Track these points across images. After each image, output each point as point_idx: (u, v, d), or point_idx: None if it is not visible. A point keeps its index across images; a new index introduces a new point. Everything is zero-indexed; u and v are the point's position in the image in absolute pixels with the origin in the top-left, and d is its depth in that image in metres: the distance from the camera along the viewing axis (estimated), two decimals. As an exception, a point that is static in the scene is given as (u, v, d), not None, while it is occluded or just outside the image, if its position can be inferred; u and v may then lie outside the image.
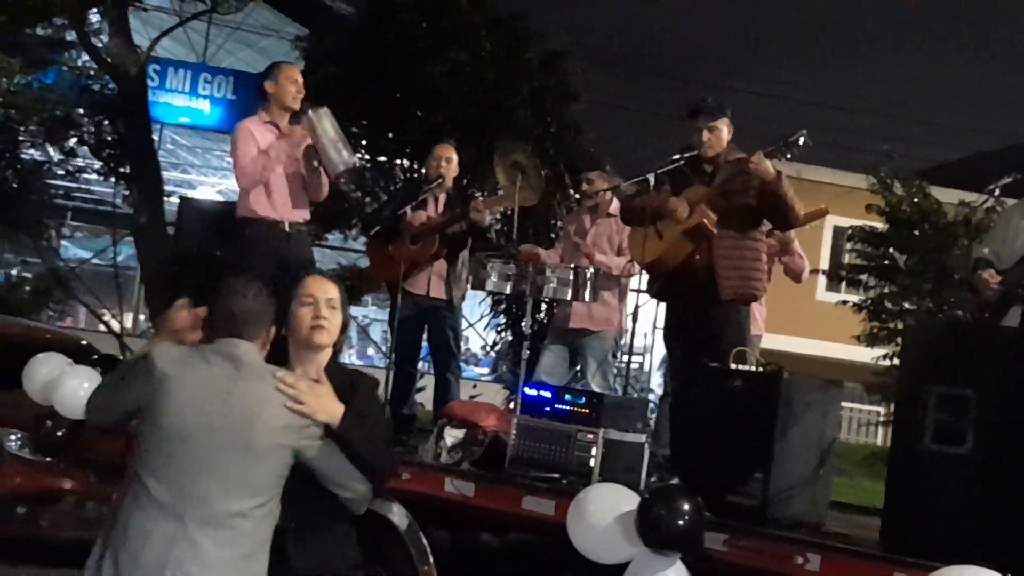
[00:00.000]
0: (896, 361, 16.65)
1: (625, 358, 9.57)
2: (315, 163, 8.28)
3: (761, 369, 6.55)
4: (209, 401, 4.46)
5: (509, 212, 9.12)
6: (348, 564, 5.00)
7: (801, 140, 7.13)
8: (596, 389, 8.62)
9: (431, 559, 6.70)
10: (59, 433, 7.41)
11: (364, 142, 16.77)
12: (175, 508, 4.40)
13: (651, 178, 7.57)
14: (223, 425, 4.44)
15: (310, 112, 8.22)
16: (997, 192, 7.52)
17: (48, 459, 9.14)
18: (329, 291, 4.89)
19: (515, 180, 8.71)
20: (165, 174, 21.13)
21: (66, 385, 6.74)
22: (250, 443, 4.45)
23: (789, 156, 7.21)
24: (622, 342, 9.32)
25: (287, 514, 4.66)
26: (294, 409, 4.52)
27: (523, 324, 8.50)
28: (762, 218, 7.46)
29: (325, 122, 8.21)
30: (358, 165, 8.47)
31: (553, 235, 14.87)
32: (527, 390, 7.17)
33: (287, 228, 8.26)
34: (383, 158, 17.40)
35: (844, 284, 20.73)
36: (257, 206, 8.24)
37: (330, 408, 4.60)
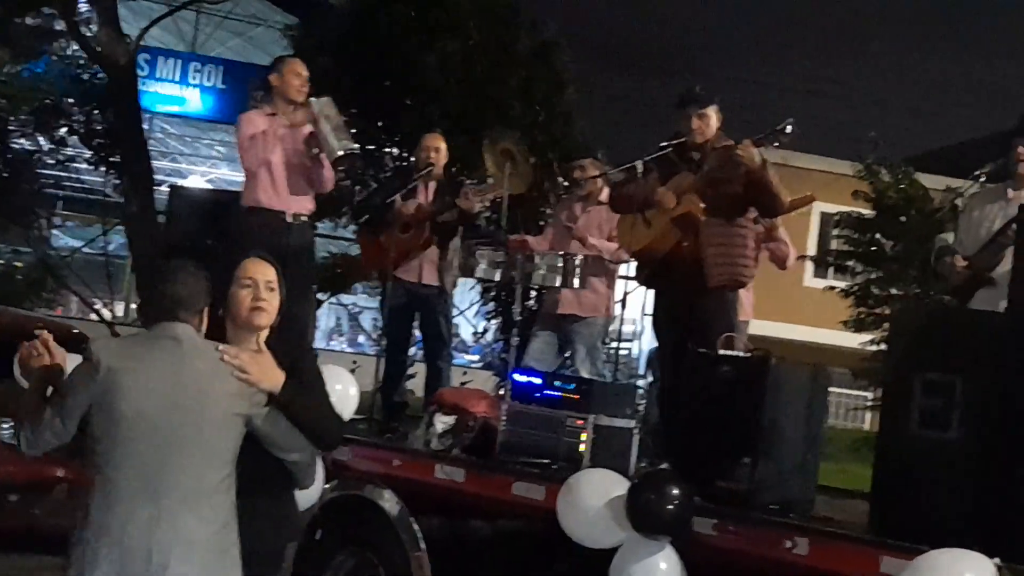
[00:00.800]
0: (883, 346, 16.70)
1: (614, 344, 9.61)
2: (317, 152, 8.34)
3: (749, 355, 6.58)
4: (159, 383, 4.54)
5: (499, 200, 9.14)
6: (289, 537, 5.23)
7: (788, 129, 7.16)
8: (585, 375, 8.65)
9: (422, 545, 6.74)
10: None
11: (354, 131, 16.70)
12: (149, 493, 4.46)
13: (639, 166, 7.60)
14: (179, 402, 4.52)
15: (312, 100, 8.30)
16: (983, 179, 7.57)
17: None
18: (267, 273, 4.99)
19: (504, 168, 8.73)
20: (155, 163, 21.12)
21: (59, 374, 6.76)
22: (207, 415, 4.55)
23: (776, 144, 7.25)
24: (611, 328, 9.35)
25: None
26: (240, 378, 4.62)
27: (513, 311, 8.50)
28: (749, 206, 7.48)
29: (327, 109, 8.29)
30: (356, 151, 8.52)
31: (542, 223, 14.89)
32: (517, 376, 7.20)
33: (288, 219, 8.33)
34: (373, 147, 17.41)
35: (831, 270, 20.77)
36: (261, 196, 8.34)
37: (272, 376, 4.71)
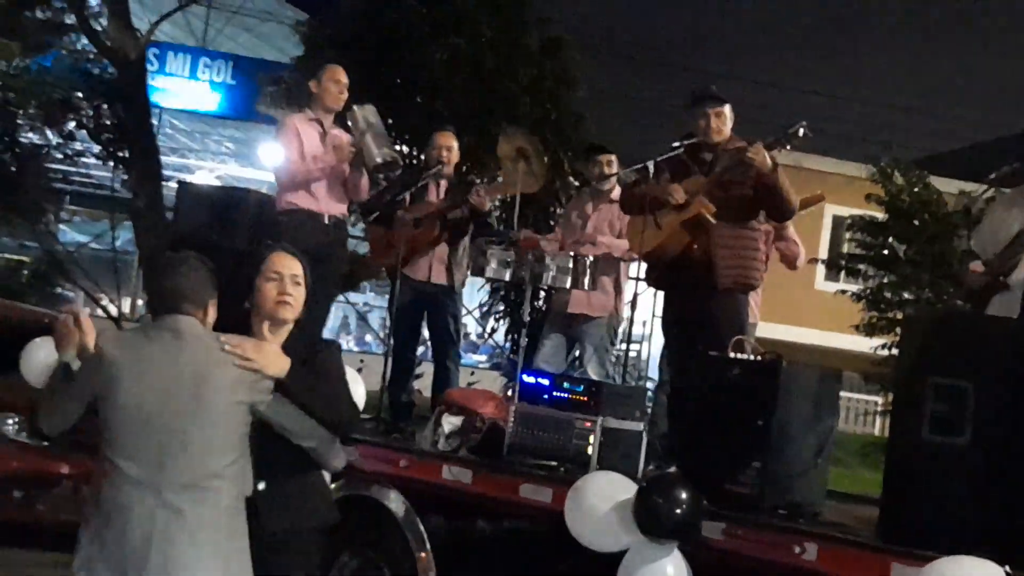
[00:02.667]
0: (895, 351, 16.65)
1: (623, 346, 9.57)
2: (356, 161, 8.48)
3: (759, 358, 6.54)
4: (159, 373, 4.61)
5: (509, 199, 9.10)
6: (319, 518, 5.17)
7: (801, 132, 7.12)
8: (593, 375, 8.62)
9: (428, 545, 6.72)
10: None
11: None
12: (150, 481, 4.53)
13: (650, 166, 7.57)
14: (176, 392, 4.58)
15: (355, 107, 8.53)
16: (996, 182, 7.52)
17: (45, 443, 9.13)
18: (293, 267, 5.05)
19: (518, 166, 8.70)
20: (163, 158, 21.11)
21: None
22: (205, 404, 4.59)
23: (789, 147, 7.21)
24: (620, 329, 9.31)
25: (257, 474, 4.85)
26: (242, 366, 4.65)
27: (522, 311, 8.47)
28: (760, 208, 7.45)
29: (370, 117, 8.48)
30: (396, 160, 8.65)
31: (552, 222, 14.86)
32: (525, 377, 7.17)
33: (326, 220, 8.44)
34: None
35: (843, 273, 20.70)
36: (297, 198, 8.51)
37: (276, 361, 4.73)
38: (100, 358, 4.68)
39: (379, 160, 8.43)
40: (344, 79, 8.69)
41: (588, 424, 6.63)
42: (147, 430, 4.56)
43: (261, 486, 4.89)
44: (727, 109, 7.48)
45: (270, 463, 4.90)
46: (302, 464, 5.05)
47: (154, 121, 20.60)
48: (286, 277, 5.00)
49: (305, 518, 5.10)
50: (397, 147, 15.68)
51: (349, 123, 8.57)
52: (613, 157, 9.34)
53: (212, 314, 4.84)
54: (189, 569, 4.50)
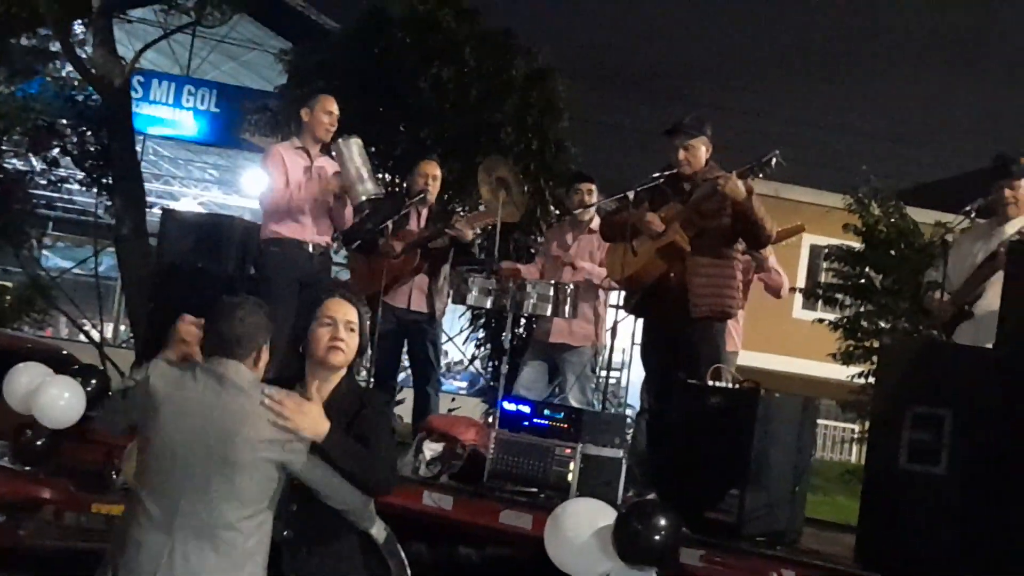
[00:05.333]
0: (871, 379, 16.70)
1: (604, 373, 9.61)
2: (339, 190, 8.52)
3: (738, 386, 6.59)
4: (192, 417, 4.58)
5: (491, 228, 9.15)
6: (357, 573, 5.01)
7: (774, 160, 7.19)
8: (574, 403, 8.65)
9: (409, 571, 6.72)
10: (39, 442, 7.44)
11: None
12: (165, 521, 4.52)
13: (631, 195, 7.63)
14: (204, 439, 4.54)
15: (340, 141, 8.54)
16: (973, 214, 7.62)
17: (28, 468, 9.12)
18: (348, 313, 4.98)
19: (499, 195, 8.76)
20: (147, 185, 21.08)
21: (46, 394, 6.78)
22: (230, 456, 4.53)
23: (762, 175, 7.26)
24: (601, 357, 9.35)
25: (281, 525, 4.74)
26: (277, 424, 4.58)
27: (503, 338, 8.51)
28: (737, 236, 7.51)
29: (354, 151, 8.53)
30: (380, 194, 8.71)
31: (533, 250, 14.89)
32: (506, 404, 7.21)
33: (311, 249, 8.48)
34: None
35: (820, 302, 20.75)
36: (282, 227, 8.56)
37: (315, 424, 4.64)
38: (146, 387, 4.69)
39: (363, 197, 8.49)
40: (335, 110, 8.74)
41: (568, 451, 6.68)
42: (171, 470, 4.54)
43: (286, 534, 4.79)
44: (698, 142, 7.53)
45: (302, 516, 4.80)
46: (338, 523, 4.91)
47: (138, 148, 20.60)
48: (340, 323, 4.92)
49: (325, 573, 4.93)
50: (380, 175, 15.78)
51: (334, 154, 8.61)
52: (593, 186, 9.40)
53: (265, 357, 4.79)
54: None
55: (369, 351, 7.18)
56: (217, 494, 4.52)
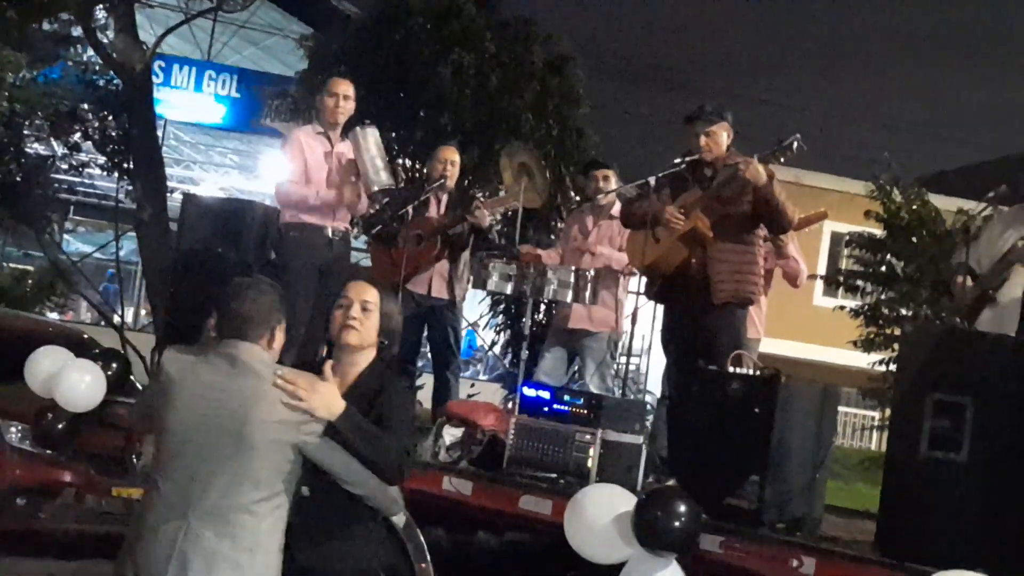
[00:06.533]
0: (893, 367, 16.65)
1: (623, 359, 9.61)
2: (355, 179, 8.56)
3: (759, 373, 6.58)
4: (206, 400, 4.59)
5: (511, 213, 9.14)
6: (359, 566, 4.97)
7: (795, 144, 7.16)
8: (594, 390, 8.65)
9: (428, 556, 6.74)
10: (59, 426, 7.45)
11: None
12: (180, 505, 4.53)
13: (652, 181, 7.62)
14: (218, 422, 4.55)
15: (357, 129, 8.55)
16: (995, 200, 7.57)
17: (48, 452, 9.16)
18: (365, 294, 4.99)
19: (521, 181, 8.75)
20: (168, 170, 21.12)
21: (68, 378, 6.80)
22: (244, 438, 4.53)
23: (783, 160, 7.24)
24: (621, 343, 9.35)
25: (293, 510, 4.71)
26: (291, 405, 4.57)
27: (523, 324, 8.51)
28: (758, 222, 7.50)
29: (370, 141, 8.57)
30: (393, 186, 8.72)
31: (553, 236, 14.89)
32: (526, 390, 7.21)
33: (329, 234, 8.49)
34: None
35: (841, 289, 20.67)
36: (301, 213, 8.56)
37: (329, 404, 4.62)
38: (160, 375, 4.73)
39: (375, 188, 8.51)
40: (342, 90, 8.72)
41: (588, 437, 6.68)
42: (185, 453, 4.56)
43: (297, 519, 4.73)
44: (719, 127, 7.51)
45: (319, 500, 4.77)
46: (357, 508, 4.87)
47: (159, 133, 20.64)
48: (355, 303, 4.94)
49: (339, 562, 4.88)
50: (400, 161, 15.80)
51: (351, 143, 8.64)
52: (610, 172, 9.38)
53: (280, 339, 4.80)
54: None
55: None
56: (231, 476, 4.53)
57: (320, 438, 4.64)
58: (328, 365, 4.79)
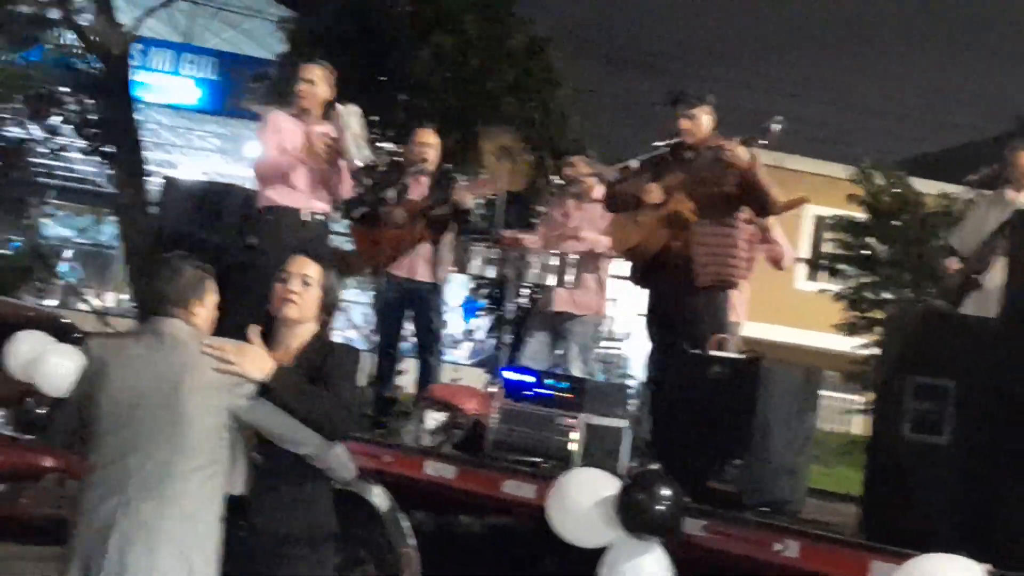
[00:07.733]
0: (875, 350, 16.71)
1: (606, 343, 9.61)
2: (338, 160, 8.45)
3: (741, 356, 6.57)
4: (137, 375, 4.67)
5: (492, 196, 9.14)
6: (312, 526, 5.01)
7: (776, 128, 7.15)
8: (577, 373, 8.65)
9: (411, 541, 6.74)
10: (40, 411, 7.43)
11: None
12: (118, 482, 4.58)
13: (634, 165, 7.61)
14: (150, 393, 4.62)
15: (339, 106, 8.43)
16: (976, 184, 7.59)
17: (29, 437, 9.12)
18: (305, 268, 5.05)
19: (502, 164, 8.73)
20: (148, 154, 21.10)
21: (48, 363, 6.76)
22: (178, 407, 4.60)
23: (765, 143, 7.23)
24: (604, 327, 9.35)
25: (251, 477, 4.82)
26: (221, 369, 4.63)
27: (505, 308, 8.50)
28: (740, 205, 7.48)
29: (352, 119, 8.41)
30: (375, 164, 8.66)
31: (535, 220, 14.89)
32: (508, 374, 7.19)
33: (305, 216, 8.42)
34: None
35: (824, 273, 20.76)
36: (275, 194, 8.46)
37: (258, 364, 4.67)
38: (89, 362, 4.80)
39: (358, 163, 8.42)
40: (310, 75, 8.55)
41: (571, 420, 6.66)
42: (118, 430, 4.62)
43: (248, 488, 4.83)
44: (700, 111, 7.50)
45: (267, 464, 4.85)
46: (303, 470, 4.92)
47: (138, 116, 20.59)
48: (294, 276, 4.99)
49: (290, 523, 4.94)
50: (381, 145, 15.77)
51: (332, 122, 8.54)
52: (581, 158, 9.41)
53: (202, 313, 4.84)
54: (144, 572, 4.49)
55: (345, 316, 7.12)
56: (168, 447, 4.58)
57: (255, 400, 4.69)
58: (252, 328, 4.82)
